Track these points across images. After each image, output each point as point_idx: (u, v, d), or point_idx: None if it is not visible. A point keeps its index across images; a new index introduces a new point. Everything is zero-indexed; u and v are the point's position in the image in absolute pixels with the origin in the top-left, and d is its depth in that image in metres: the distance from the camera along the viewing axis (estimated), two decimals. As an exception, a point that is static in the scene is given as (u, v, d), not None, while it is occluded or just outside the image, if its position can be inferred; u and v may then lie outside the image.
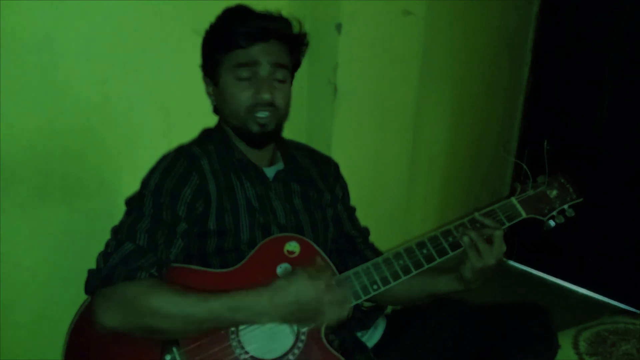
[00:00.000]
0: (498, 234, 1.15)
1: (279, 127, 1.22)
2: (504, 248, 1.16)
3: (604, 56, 2.60)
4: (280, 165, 1.28)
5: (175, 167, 1.13)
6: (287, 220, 1.21)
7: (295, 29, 1.23)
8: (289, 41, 1.22)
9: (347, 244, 1.35)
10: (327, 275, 1.02)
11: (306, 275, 1.00)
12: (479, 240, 1.13)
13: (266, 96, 1.15)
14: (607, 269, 2.68)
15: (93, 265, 1.05)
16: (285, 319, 1.01)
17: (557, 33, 2.76)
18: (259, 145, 1.22)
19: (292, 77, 1.27)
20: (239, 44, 1.15)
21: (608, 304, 2.62)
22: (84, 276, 1.04)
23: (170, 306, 0.97)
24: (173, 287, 0.99)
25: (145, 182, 1.13)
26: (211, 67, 1.21)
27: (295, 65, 1.27)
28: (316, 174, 1.33)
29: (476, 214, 1.18)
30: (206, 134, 1.27)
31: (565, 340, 1.72)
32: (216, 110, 1.27)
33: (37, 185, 1.29)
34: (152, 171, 1.15)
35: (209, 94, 1.26)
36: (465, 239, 1.14)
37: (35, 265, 1.32)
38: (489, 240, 1.15)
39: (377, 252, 1.36)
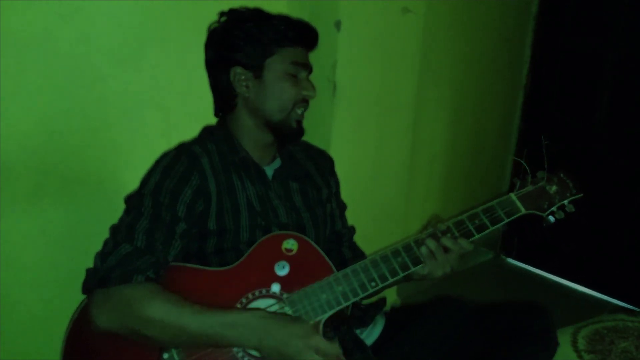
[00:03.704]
0: (457, 250, 1.14)
1: None
2: (454, 266, 1.15)
3: (603, 55, 2.60)
4: (277, 163, 1.28)
5: (176, 166, 1.12)
6: (288, 219, 1.21)
7: None
8: None
9: (335, 242, 1.36)
10: (324, 341, 1.00)
11: (308, 328, 1.00)
12: (438, 250, 1.13)
13: (312, 93, 1.21)
14: (606, 267, 2.68)
15: (92, 265, 1.05)
16: (265, 352, 1.00)
17: (556, 31, 2.76)
18: (291, 141, 1.28)
19: None
20: (305, 43, 1.21)
21: (607, 301, 2.62)
22: (82, 275, 1.04)
23: (164, 316, 0.97)
24: (169, 297, 0.99)
25: (144, 181, 1.13)
26: (255, 58, 1.17)
27: None
28: (313, 169, 1.33)
29: (439, 225, 1.17)
30: (208, 131, 1.26)
31: (564, 337, 1.73)
32: (225, 106, 1.24)
33: (36, 184, 1.29)
34: (152, 170, 1.14)
35: (242, 85, 1.19)
36: (423, 249, 1.13)
37: (34, 264, 1.32)
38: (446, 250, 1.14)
39: (355, 251, 1.38)
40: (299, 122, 1.22)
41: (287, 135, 1.23)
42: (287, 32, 1.17)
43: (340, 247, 1.36)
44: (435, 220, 1.19)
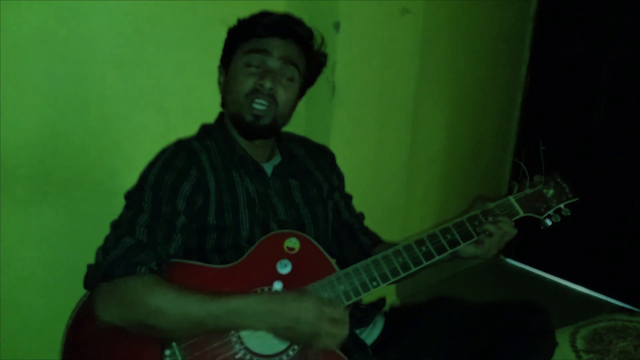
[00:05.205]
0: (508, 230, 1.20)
1: (276, 125, 1.19)
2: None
3: (601, 56, 2.61)
4: (277, 160, 1.28)
5: (175, 161, 1.13)
6: (287, 216, 1.21)
7: (317, 44, 1.26)
8: (307, 48, 1.23)
9: (347, 233, 1.37)
10: (332, 308, 1.01)
11: (314, 300, 1.00)
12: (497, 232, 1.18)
13: (268, 84, 1.14)
14: (605, 267, 2.69)
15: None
16: (279, 334, 1.01)
17: (554, 32, 2.77)
18: (251, 137, 1.21)
19: (303, 86, 1.27)
20: (257, 32, 1.18)
21: (606, 301, 2.63)
22: (83, 274, 1.04)
23: (170, 305, 0.96)
24: (174, 286, 0.99)
25: (144, 176, 1.13)
26: (226, 56, 1.23)
27: (307, 79, 1.27)
28: (312, 165, 1.34)
29: (478, 210, 1.20)
30: (205, 129, 1.27)
31: (562, 337, 1.73)
32: (223, 103, 1.27)
33: (36, 184, 1.29)
34: (151, 165, 1.14)
35: (220, 84, 1.27)
36: (489, 226, 1.18)
37: (34, 264, 1.32)
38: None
39: (370, 235, 1.39)
40: (257, 117, 1.15)
41: (244, 129, 1.18)
42: (250, 26, 1.18)
43: (357, 235, 1.37)
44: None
